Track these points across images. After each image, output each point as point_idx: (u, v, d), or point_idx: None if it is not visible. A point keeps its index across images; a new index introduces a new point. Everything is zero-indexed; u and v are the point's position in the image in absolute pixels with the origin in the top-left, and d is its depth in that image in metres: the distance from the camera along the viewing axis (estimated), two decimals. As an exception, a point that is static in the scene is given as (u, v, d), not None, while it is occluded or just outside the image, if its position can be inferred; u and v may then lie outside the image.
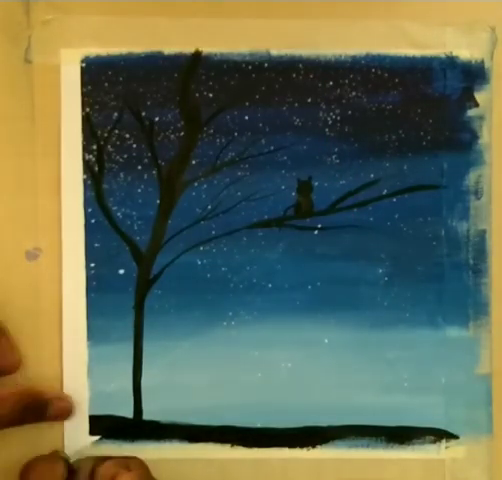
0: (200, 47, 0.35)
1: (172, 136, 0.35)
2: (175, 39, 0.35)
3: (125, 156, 0.35)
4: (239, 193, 0.35)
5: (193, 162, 0.35)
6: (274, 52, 0.35)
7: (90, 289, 0.35)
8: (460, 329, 0.36)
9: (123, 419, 0.35)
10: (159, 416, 0.35)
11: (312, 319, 0.35)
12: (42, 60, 0.35)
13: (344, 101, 0.35)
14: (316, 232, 0.36)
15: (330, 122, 0.35)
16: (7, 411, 0.32)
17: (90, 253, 0.35)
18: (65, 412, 0.35)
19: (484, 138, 0.35)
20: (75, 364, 0.35)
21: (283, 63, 0.35)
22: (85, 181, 0.35)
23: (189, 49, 0.35)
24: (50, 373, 0.35)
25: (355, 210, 0.36)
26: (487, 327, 0.35)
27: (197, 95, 0.35)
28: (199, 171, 0.35)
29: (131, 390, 0.35)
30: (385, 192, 0.36)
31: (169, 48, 0.35)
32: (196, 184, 0.35)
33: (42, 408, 0.33)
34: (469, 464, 0.36)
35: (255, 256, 0.36)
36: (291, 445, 0.36)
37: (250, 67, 0.35)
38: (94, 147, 0.35)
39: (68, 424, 0.35)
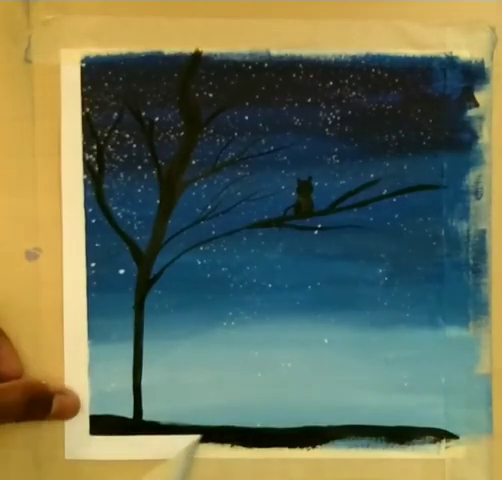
0: (200, 47, 0.35)
1: (172, 136, 0.35)
2: (175, 39, 0.35)
3: (125, 156, 0.35)
4: (239, 193, 0.35)
5: (193, 162, 0.35)
6: (274, 52, 0.35)
7: (90, 289, 0.35)
8: (460, 329, 0.36)
9: (123, 419, 0.35)
10: (159, 416, 0.35)
11: (312, 319, 0.35)
12: (42, 60, 0.35)
13: (344, 101, 0.35)
14: (316, 232, 0.36)
15: (330, 122, 0.35)
16: (10, 402, 0.32)
17: (90, 253, 0.35)
18: (70, 408, 0.35)
19: (484, 138, 0.35)
20: (76, 364, 0.35)
21: (283, 63, 0.35)
22: (85, 181, 0.35)
23: (189, 49, 0.35)
24: (51, 373, 0.35)
25: (355, 210, 0.36)
26: (487, 327, 0.35)
27: (197, 95, 0.35)
28: (199, 171, 0.35)
29: (131, 390, 0.35)
30: (385, 192, 0.36)
31: (169, 48, 0.35)
32: (196, 184, 0.35)
33: (47, 402, 0.33)
34: (469, 464, 0.36)
35: (255, 256, 0.36)
36: (291, 445, 0.36)
37: (250, 67, 0.35)
38: (94, 147, 0.35)
39: (68, 424, 0.35)
